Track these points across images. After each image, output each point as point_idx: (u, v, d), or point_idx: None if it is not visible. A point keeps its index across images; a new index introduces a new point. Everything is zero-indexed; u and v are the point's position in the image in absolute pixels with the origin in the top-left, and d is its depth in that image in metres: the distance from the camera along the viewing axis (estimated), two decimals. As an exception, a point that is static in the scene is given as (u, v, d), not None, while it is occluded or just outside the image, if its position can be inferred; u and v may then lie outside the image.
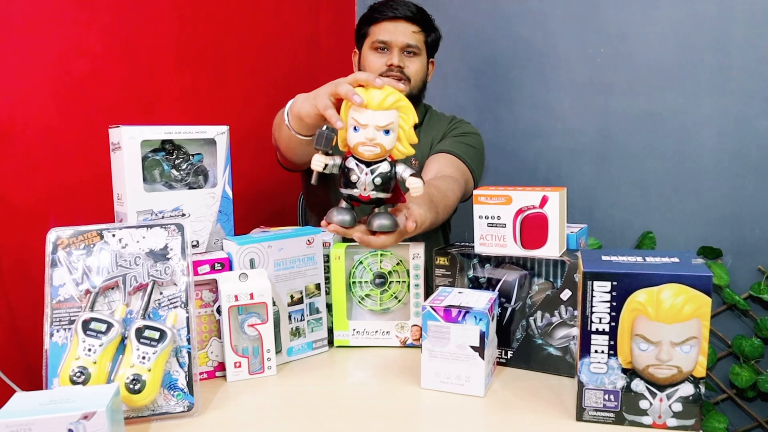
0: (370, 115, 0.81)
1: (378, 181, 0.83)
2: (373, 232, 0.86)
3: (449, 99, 1.72)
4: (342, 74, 2.18)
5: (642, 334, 0.77)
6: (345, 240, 1.13)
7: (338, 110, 0.86)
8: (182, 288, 0.88)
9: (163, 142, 1.00)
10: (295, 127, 1.01)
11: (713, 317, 1.48)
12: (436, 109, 1.52)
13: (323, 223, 0.85)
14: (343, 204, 0.86)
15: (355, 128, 0.82)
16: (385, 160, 0.84)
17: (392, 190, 0.86)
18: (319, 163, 0.84)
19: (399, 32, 1.36)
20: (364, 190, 0.84)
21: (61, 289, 0.84)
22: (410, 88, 1.38)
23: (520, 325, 0.99)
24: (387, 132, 0.82)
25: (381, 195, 0.85)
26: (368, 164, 0.83)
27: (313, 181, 0.86)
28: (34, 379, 1.13)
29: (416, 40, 1.38)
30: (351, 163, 0.84)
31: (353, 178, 0.84)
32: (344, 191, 0.86)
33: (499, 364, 1.01)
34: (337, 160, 0.85)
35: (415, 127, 1.41)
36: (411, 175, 0.85)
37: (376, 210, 0.86)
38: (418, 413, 0.86)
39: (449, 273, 1.03)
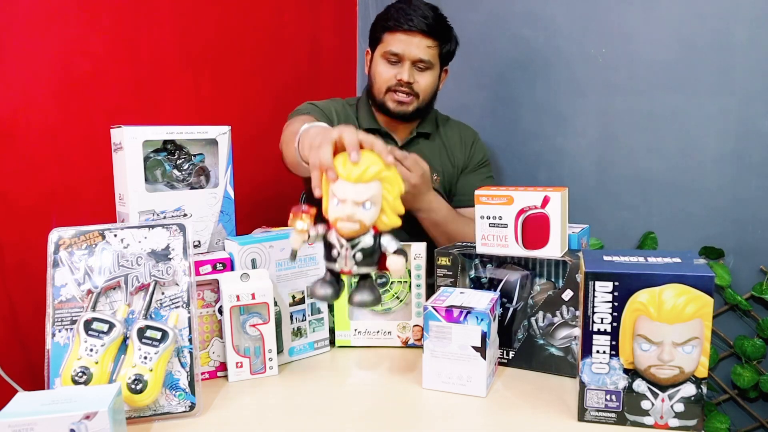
0: (349, 188, 0.76)
1: (359, 257, 0.78)
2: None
3: (451, 99, 1.71)
4: (344, 74, 2.18)
5: (644, 335, 0.77)
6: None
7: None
8: (184, 288, 0.88)
9: (165, 142, 1.00)
10: (303, 156, 0.97)
11: (715, 317, 1.47)
12: (437, 109, 1.52)
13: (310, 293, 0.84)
14: (327, 276, 0.83)
15: (335, 200, 0.78)
16: (368, 232, 0.79)
17: (378, 261, 0.81)
18: (297, 241, 0.81)
19: (413, 45, 1.31)
20: (345, 265, 0.79)
21: (63, 289, 0.84)
22: (418, 103, 1.36)
23: (522, 325, 0.99)
24: (368, 206, 0.77)
25: (364, 270, 0.80)
26: (349, 239, 0.79)
27: (290, 258, 0.83)
28: (36, 379, 1.13)
29: (430, 54, 1.33)
30: (332, 236, 0.79)
31: (334, 253, 0.79)
32: (327, 264, 0.82)
33: (500, 364, 1.01)
34: (320, 229, 0.81)
35: (427, 135, 1.44)
36: (395, 251, 0.79)
37: (360, 282, 0.83)
38: (420, 413, 0.86)
39: (451, 273, 1.03)
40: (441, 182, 1.44)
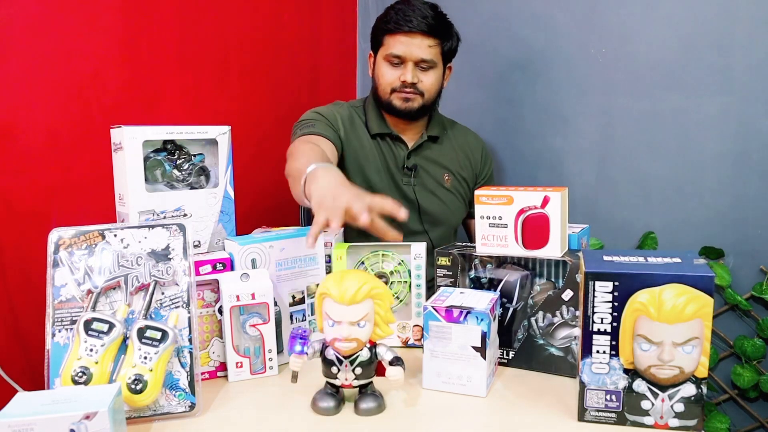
0: (343, 311, 0.80)
1: (358, 371, 0.84)
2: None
3: (451, 99, 1.71)
4: (344, 74, 2.17)
5: (644, 335, 0.77)
6: (346, 240, 1.14)
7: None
8: (184, 288, 0.88)
9: (165, 142, 1.00)
10: (308, 197, 0.96)
11: (715, 317, 1.47)
12: (439, 110, 1.52)
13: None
14: (327, 388, 0.86)
15: (330, 322, 0.82)
16: (364, 347, 0.84)
17: (375, 371, 0.86)
18: (297, 364, 0.85)
19: (414, 46, 1.31)
20: (346, 380, 0.84)
21: (63, 289, 0.84)
22: (423, 101, 1.36)
23: (522, 325, 0.99)
24: (363, 324, 0.81)
25: (363, 381, 0.85)
26: (347, 356, 0.83)
27: (292, 380, 0.86)
28: (35, 379, 1.13)
29: (432, 54, 1.33)
30: (330, 354, 0.84)
31: (333, 370, 0.84)
32: (326, 378, 0.86)
33: (500, 364, 1.01)
34: (317, 346, 0.85)
35: (435, 139, 1.44)
36: (391, 362, 0.83)
37: (362, 390, 0.86)
38: (420, 413, 0.86)
39: (451, 273, 1.03)
40: (452, 182, 1.45)
